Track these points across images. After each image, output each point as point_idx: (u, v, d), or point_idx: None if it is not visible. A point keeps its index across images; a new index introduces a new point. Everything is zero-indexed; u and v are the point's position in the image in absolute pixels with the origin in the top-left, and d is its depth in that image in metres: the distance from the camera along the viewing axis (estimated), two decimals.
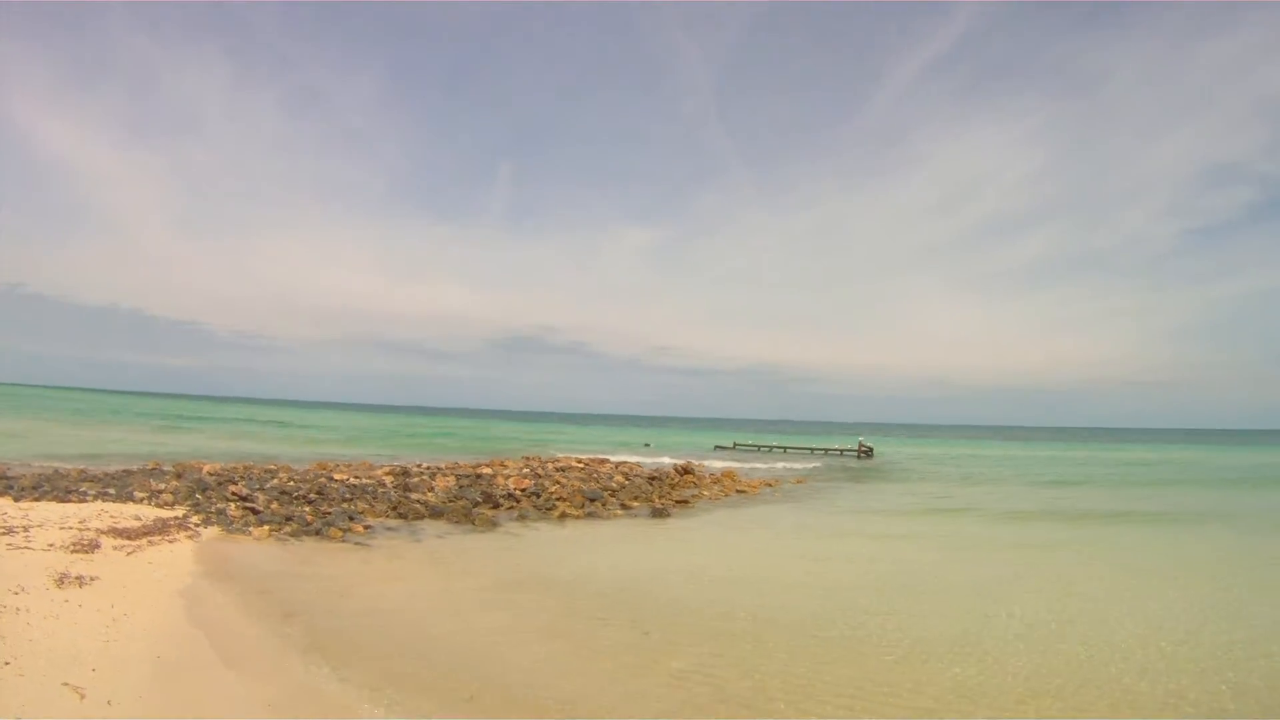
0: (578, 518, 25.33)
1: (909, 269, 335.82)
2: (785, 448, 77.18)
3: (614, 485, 31.29)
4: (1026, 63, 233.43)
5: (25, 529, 15.88)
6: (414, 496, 24.45)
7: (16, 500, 19.49)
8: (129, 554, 14.85)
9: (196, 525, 18.45)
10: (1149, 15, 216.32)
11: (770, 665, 10.46)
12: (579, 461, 38.93)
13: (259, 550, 16.68)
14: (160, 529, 17.19)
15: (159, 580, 13.28)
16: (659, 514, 27.26)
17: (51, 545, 14.70)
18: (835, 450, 73.59)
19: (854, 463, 63.66)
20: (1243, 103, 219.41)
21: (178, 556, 15.13)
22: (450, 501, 24.46)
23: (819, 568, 18.18)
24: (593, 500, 27.89)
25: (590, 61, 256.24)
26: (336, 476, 27.01)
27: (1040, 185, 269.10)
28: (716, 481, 40.62)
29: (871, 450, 72.08)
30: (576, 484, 29.94)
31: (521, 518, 23.76)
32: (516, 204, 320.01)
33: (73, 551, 14.43)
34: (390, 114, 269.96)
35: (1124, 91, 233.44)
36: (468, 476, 29.48)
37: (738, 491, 37.39)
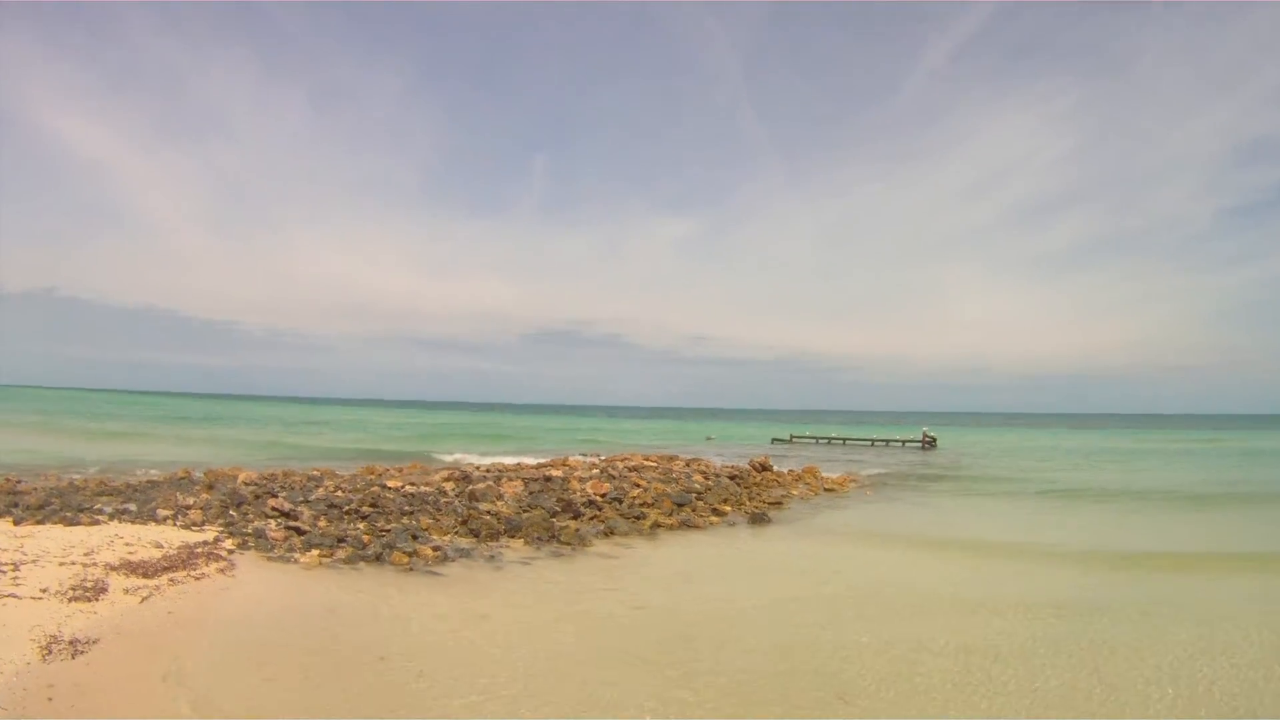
0: (671, 527, 21.59)
1: (943, 255, 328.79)
2: (845, 439, 72.89)
3: (697, 487, 27.47)
4: (1056, 43, 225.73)
5: (16, 566, 12.43)
6: (483, 507, 20.82)
7: (17, 524, 16.15)
8: (143, 599, 11.32)
9: (230, 551, 14.96)
10: None
11: None
12: (651, 460, 35.13)
13: (309, 585, 13.08)
14: (185, 560, 13.67)
15: (179, 644, 9.67)
16: (758, 520, 23.46)
17: (45, 591, 11.20)
18: (897, 441, 69.12)
19: (922, 455, 59.19)
20: (1278, 76, 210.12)
21: (205, 601, 11.56)
22: (524, 512, 20.80)
23: (998, 592, 14.23)
24: (681, 506, 24.14)
25: (619, 52, 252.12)
26: (390, 484, 23.47)
27: (1073, 167, 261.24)
28: (799, 479, 36.70)
29: (935, 441, 67.56)
30: (658, 486, 26.15)
31: (609, 532, 20.03)
32: (549, 197, 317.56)
33: (71, 600, 10.93)
34: (420, 108, 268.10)
35: (1156, 69, 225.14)
36: (536, 480, 25.82)
37: (826, 490, 33.53)
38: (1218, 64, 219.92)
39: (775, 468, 37.30)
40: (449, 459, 42.70)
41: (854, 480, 36.68)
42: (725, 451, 54.62)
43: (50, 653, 9.04)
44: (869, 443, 70.01)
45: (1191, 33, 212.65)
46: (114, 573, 12.46)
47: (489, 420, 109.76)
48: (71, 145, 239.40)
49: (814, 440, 72.96)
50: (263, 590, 12.46)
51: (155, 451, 40.46)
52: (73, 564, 12.74)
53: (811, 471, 38.11)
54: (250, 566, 14.05)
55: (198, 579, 12.73)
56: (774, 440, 73.66)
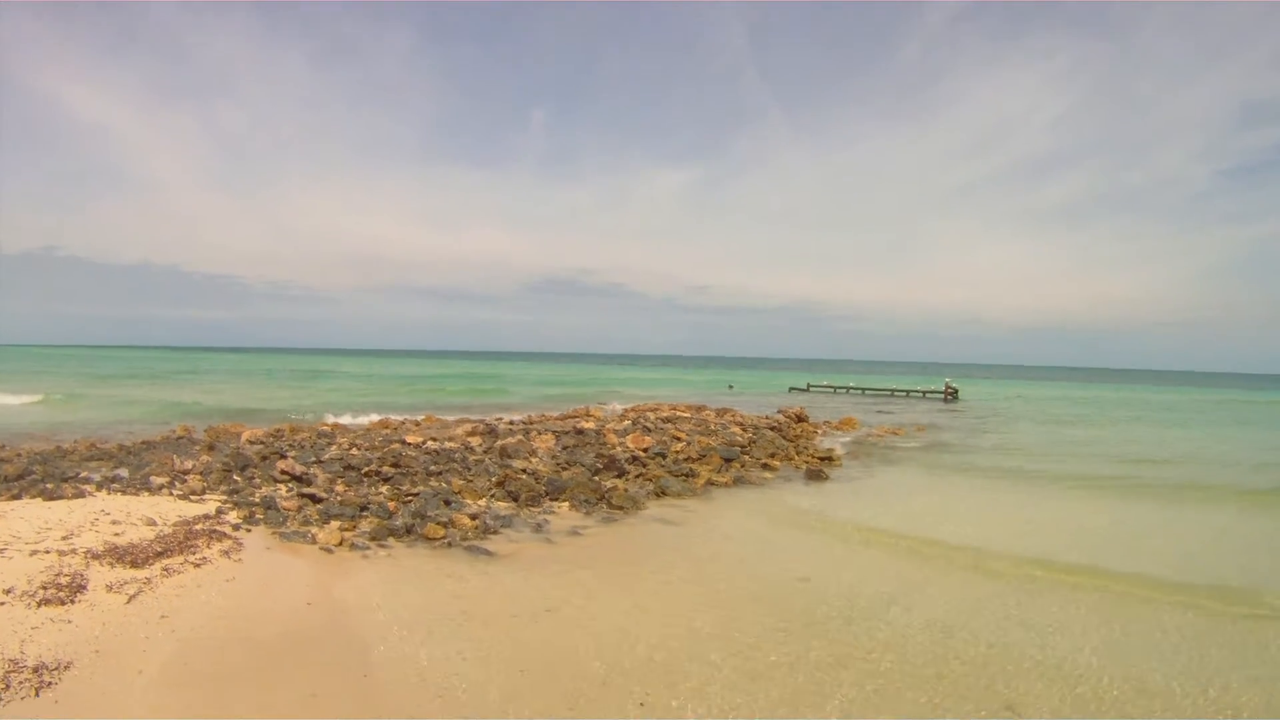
0: (725, 485, 19.43)
1: (944, 209, 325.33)
2: (864, 389, 70.77)
3: (739, 439, 25.25)
4: (1059, 3, 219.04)
5: None
6: (517, 465, 18.59)
7: None
8: (130, 598, 9.04)
9: (236, 527, 12.70)
10: None
11: None
12: (684, 410, 32.90)
13: (333, 572, 10.80)
14: (183, 541, 11.39)
15: (175, 667, 7.42)
16: (815, 476, 21.29)
17: (8, 592, 8.92)
18: (918, 392, 67.00)
19: (947, 406, 57.03)
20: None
21: (207, 598, 9.28)
22: (563, 470, 18.59)
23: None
24: (729, 461, 21.96)
25: (623, 7, 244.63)
26: (410, 439, 21.21)
27: (1074, 125, 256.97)
28: (838, 429, 34.69)
29: (957, 392, 65.43)
30: (701, 439, 23.93)
31: (660, 491, 17.83)
32: (551, 149, 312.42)
33: (40, 603, 8.66)
34: (423, 65, 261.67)
35: (1158, 30, 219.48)
36: (568, 433, 23.57)
37: (870, 440, 31.45)
38: (1219, 27, 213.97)
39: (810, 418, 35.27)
40: (475, 417, 40.47)
41: (894, 432, 34.51)
42: (748, 401, 52.47)
43: (8, 686, 6.80)
44: (889, 393, 67.96)
45: None
46: (96, 562, 10.20)
47: (494, 369, 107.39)
48: (71, 106, 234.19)
49: (832, 390, 70.88)
50: (277, 581, 10.20)
51: (151, 410, 38.14)
52: (47, 552, 10.46)
53: (850, 422, 36.09)
54: (260, 548, 11.78)
55: (197, 566, 10.48)
56: (791, 389, 71.54)
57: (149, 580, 9.69)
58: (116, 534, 11.62)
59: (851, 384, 74.96)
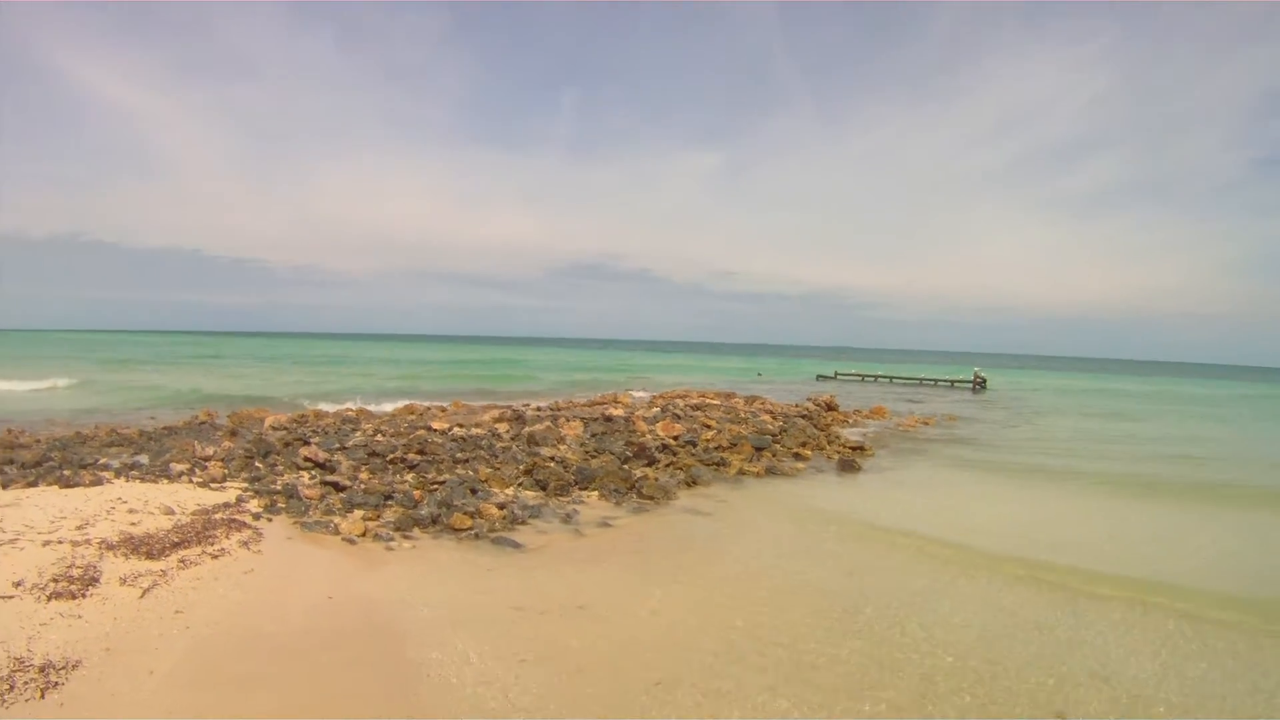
0: (757, 475, 18.84)
1: (970, 195, 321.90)
2: (891, 378, 69.64)
3: (770, 427, 24.59)
4: None
5: None
6: (545, 453, 18.07)
7: (5, 487, 13.46)
8: (145, 592, 8.60)
9: (256, 516, 12.28)
10: None
11: None
12: (712, 398, 32.26)
13: (356, 565, 10.33)
14: (201, 531, 10.97)
15: (191, 668, 6.95)
16: (848, 467, 20.63)
17: (18, 585, 8.50)
18: (946, 381, 65.82)
19: (976, 397, 55.86)
20: None
21: (225, 593, 8.82)
22: (592, 458, 18.06)
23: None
24: (760, 450, 21.32)
25: None
26: (436, 425, 20.75)
27: (1101, 111, 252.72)
28: (869, 418, 33.92)
29: (985, 382, 64.18)
30: (731, 428, 23.31)
31: (691, 481, 17.26)
32: (580, 132, 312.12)
33: (50, 597, 8.23)
34: (450, 46, 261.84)
35: (1188, 12, 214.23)
36: (596, 420, 23.02)
37: (902, 431, 30.66)
38: (1252, 12, 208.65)
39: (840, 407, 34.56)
40: (502, 403, 40.10)
41: (925, 422, 33.68)
42: (776, 388, 51.71)
43: (12, 687, 6.35)
44: (917, 382, 66.86)
45: None
46: (111, 553, 9.78)
47: (520, 355, 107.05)
48: (94, 90, 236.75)
49: (860, 378, 69.81)
50: (298, 574, 9.73)
51: (173, 395, 38.06)
52: (60, 542, 10.05)
53: (880, 411, 35.31)
54: (281, 538, 11.33)
55: (215, 558, 10.03)
56: (818, 377, 70.61)
57: (164, 573, 9.25)
58: (133, 523, 11.21)
59: (880, 372, 73.77)
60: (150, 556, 9.73)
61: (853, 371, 73.94)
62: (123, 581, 8.84)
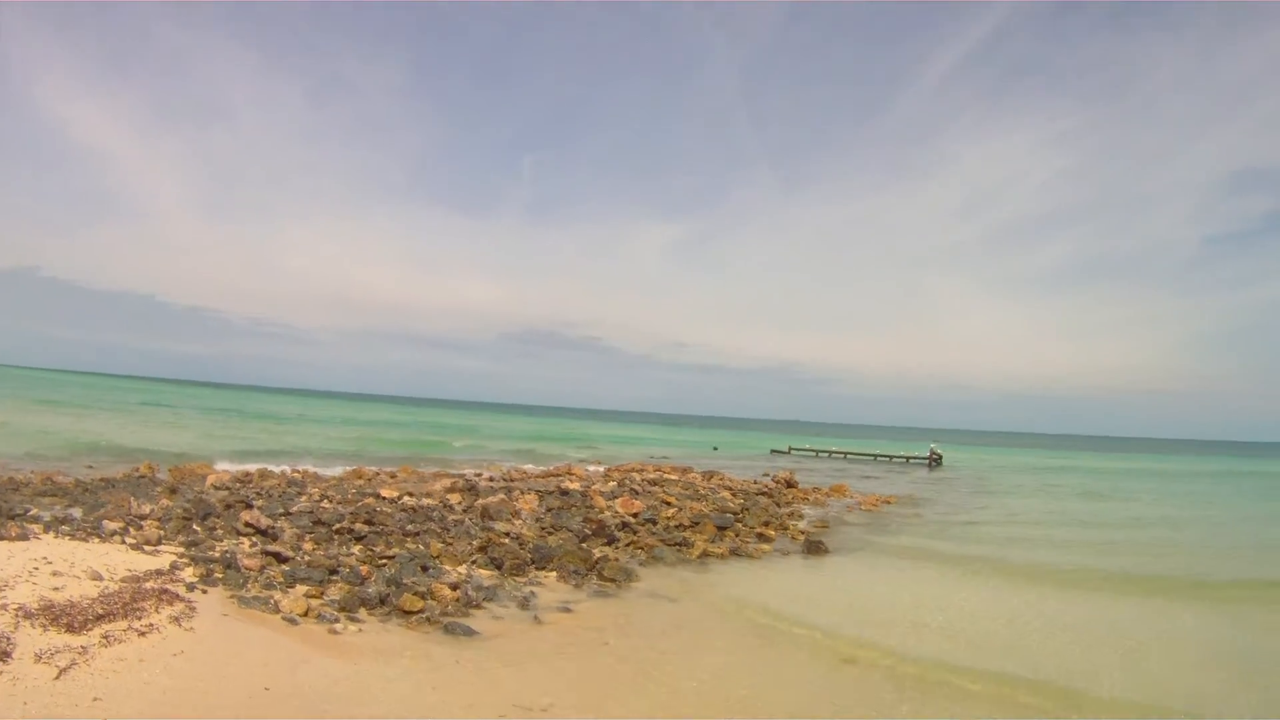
0: (720, 556, 18.39)
1: (933, 270, 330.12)
2: (846, 453, 69.95)
3: (731, 505, 24.23)
4: (1055, 64, 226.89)
5: None
6: (500, 528, 17.44)
7: None
8: (60, 674, 7.82)
9: (190, 587, 11.47)
10: (1180, 15, 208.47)
11: None
12: (670, 471, 31.84)
13: (296, 652, 9.60)
14: (129, 602, 10.16)
15: None
16: (814, 550, 20.27)
17: None
18: (902, 458, 66.20)
19: (931, 474, 56.20)
20: (1272, 106, 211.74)
21: (150, 677, 8.06)
22: (549, 535, 17.47)
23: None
24: (723, 529, 20.90)
25: (617, 56, 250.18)
26: (385, 493, 20.00)
27: (1066, 189, 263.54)
28: (829, 496, 33.72)
29: (941, 458, 64.70)
30: (692, 505, 22.87)
31: (653, 559, 16.78)
32: (538, 197, 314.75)
33: None
34: (415, 104, 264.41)
35: (1153, 95, 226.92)
36: (551, 493, 22.43)
37: (864, 510, 30.45)
38: (1215, 91, 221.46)
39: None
40: (454, 471, 39.11)
41: (886, 501, 33.59)
42: (732, 463, 51.41)
43: None
44: (872, 458, 67.15)
45: (1191, 58, 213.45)
46: (28, 622, 8.96)
47: (472, 420, 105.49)
48: (65, 128, 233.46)
49: (814, 453, 69.90)
50: (233, 658, 8.98)
51: (117, 439, 36.44)
52: None
53: (840, 489, 35.20)
54: (216, 614, 10.56)
55: (142, 634, 9.24)
56: (772, 451, 70.58)
57: (85, 650, 8.47)
58: (56, 588, 10.37)
59: (834, 447, 74.07)
60: (71, 629, 8.93)
61: (806, 446, 74.01)
62: (38, 658, 8.06)
